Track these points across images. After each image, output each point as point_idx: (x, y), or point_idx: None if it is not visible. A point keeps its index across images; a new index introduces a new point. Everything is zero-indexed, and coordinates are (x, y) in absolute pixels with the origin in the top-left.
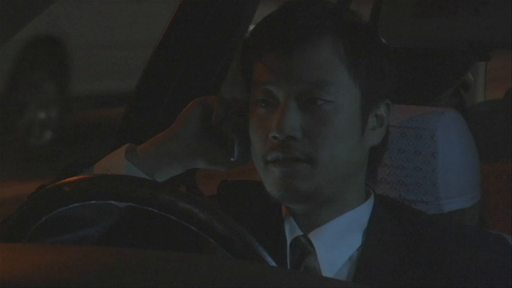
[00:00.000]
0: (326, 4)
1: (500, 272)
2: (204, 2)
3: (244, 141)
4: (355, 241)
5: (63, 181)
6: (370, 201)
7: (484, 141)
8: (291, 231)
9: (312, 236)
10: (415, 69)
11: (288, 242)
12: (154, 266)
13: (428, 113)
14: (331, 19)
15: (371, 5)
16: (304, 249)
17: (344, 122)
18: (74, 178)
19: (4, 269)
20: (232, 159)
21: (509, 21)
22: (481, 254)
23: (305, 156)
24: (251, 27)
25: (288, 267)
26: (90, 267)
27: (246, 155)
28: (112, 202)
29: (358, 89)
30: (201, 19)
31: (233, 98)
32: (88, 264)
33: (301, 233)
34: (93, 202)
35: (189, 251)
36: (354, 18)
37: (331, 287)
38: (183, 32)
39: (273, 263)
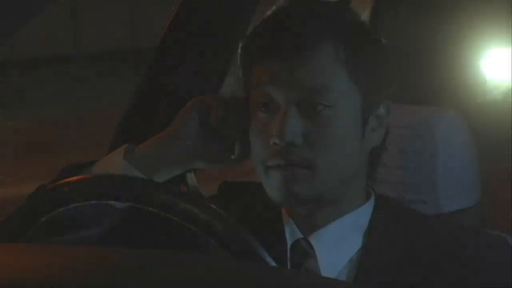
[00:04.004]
0: (325, 6)
1: (500, 272)
2: (204, 2)
3: (243, 139)
4: (356, 243)
5: (63, 181)
6: (371, 202)
7: (484, 141)
8: (291, 233)
9: (312, 239)
10: (415, 69)
11: (289, 244)
12: (154, 266)
13: (428, 113)
14: (331, 24)
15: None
16: (304, 251)
17: (345, 126)
18: (74, 178)
19: (4, 269)
20: (232, 156)
21: (509, 21)
22: (481, 255)
23: (306, 162)
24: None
25: None
26: (90, 267)
27: (246, 152)
28: (112, 202)
29: (358, 92)
30: (201, 19)
31: (233, 97)
32: (88, 264)
33: (301, 236)
34: (93, 202)
35: (189, 251)
36: (354, 20)
37: (331, 287)
38: (183, 32)
39: (273, 263)
